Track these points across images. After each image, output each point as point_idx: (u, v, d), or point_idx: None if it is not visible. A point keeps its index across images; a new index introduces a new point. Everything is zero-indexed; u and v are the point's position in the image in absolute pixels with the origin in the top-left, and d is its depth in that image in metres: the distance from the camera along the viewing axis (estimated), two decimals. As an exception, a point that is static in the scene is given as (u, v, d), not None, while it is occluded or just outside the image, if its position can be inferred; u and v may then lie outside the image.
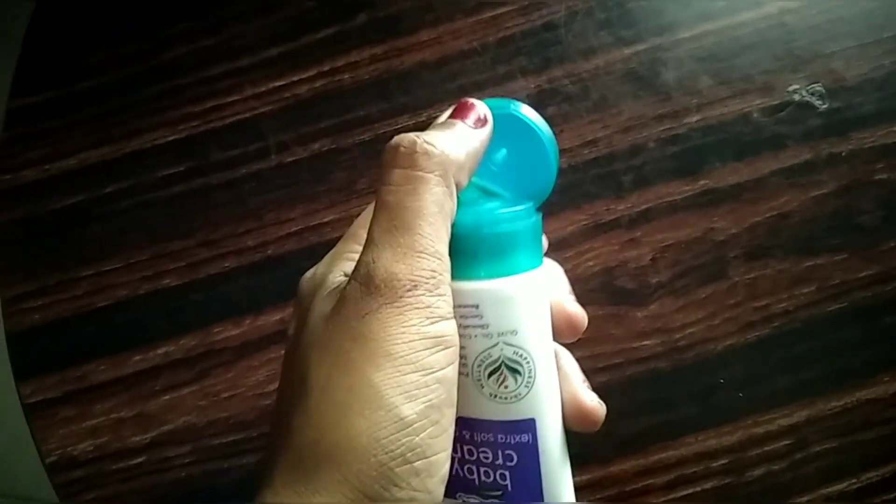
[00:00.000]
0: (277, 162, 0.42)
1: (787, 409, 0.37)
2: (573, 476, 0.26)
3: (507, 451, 0.24)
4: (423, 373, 0.21)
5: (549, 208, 0.40)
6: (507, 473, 0.24)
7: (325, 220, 0.41)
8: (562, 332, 0.26)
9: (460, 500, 0.25)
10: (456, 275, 0.23)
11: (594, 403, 0.26)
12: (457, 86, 0.43)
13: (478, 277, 0.24)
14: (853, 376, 0.37)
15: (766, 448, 0.36)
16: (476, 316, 0.23)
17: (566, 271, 0.28)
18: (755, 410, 0.37)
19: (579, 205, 0.40)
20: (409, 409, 0.21)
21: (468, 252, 0.23)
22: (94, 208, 0.43)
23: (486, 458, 0.24)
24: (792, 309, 0.38)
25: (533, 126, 0.26)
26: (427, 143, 0.23)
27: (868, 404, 0.36)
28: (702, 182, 0.40)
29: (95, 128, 0.44)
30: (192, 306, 0.40)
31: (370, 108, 0.43)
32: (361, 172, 0.42)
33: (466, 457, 0.25)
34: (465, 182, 0.24)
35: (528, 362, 0.24)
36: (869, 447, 0.36)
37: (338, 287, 0.24)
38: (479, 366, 0.24)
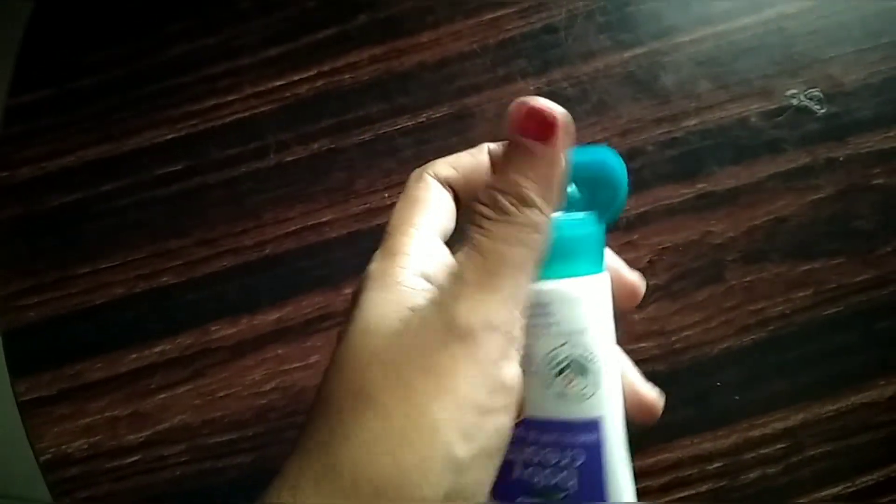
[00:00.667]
0: (276, 161, 0.42)
1: (783, 413, 0.37)
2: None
3: (573, 452, 0.24)
4: (483, 416, 0.21)
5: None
6: (572, 474, 0.24)
7: (324, 219, 0.41)
8: (621, 301, 0.26)
9: None
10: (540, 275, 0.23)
11: (654, 395, 0.26)
12: (456, 87, 0.43)
13: (549, 278, 0.24)
14: (849, 380, 0.37)
15: (762, 451, 0.36)
16: (546, 315, 0.24)
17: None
18: (751, 413, 0.37)
19: (577, 207, 0.40)
20: (463, 451, 0.20)
21: (552, 254, 0.23)
22: (92, 206, 0.43)
23: (551, 459, 0.24)
24: (788, 312, 0.38)
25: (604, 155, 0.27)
26: (536, 200, 0.23)
27: (863, 408, 0.36)
28: (700, 185, 0.40)
29: (94, 126, 0.44)
30: (188, 305, 0.40)
31: (370, 108, 0.43)
32: (360, 172, 0.42)
33: (530, 459, 0.24)
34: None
35: (595, 361, 0.24)
36: (864, 451, 0.36)
37: (405, 295, 0.23)
38: (548, 364, 0.24)
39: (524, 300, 0.23)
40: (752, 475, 0.36)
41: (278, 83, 0.44)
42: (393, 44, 0.44)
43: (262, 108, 0.43)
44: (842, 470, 0.36)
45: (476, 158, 0.27)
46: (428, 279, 0.24)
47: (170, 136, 0.43)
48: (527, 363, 0.23)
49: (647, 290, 0.38)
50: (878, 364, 0.37)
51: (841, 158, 0.40)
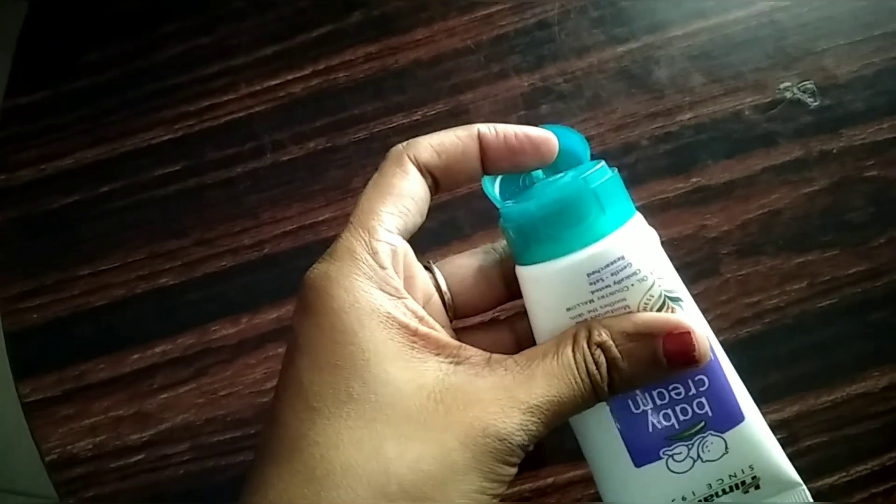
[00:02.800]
0: (273, 161, 0.43)
1: (779, 404, 0.37)
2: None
3: (697, 377, 0.24)
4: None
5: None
6: (703, 400, 0.24)
7: (321, 218, 0.42)
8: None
9: (665, 459, 0.24)
10: (587, 240, 0.24)
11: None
12: (451, 84, 0.43)
13: (609, 231, 0.24)
14: (843, 371, 0.37)
15: (758, 442, 0.37)
16: (627, 265, 0.24)
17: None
18: (747, 405, 0.37)
19: (573, 202, 0.40)
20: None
21: (589, 213, 0.24)
22: (91, 208, 0.43)
23: (679, 393, 0.24)
24: (783, 305, 0.38)
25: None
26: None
27: (858, 399, 0.37)
28: (694, 179, 0.40)
29: (90, 127, 0.44)
30: (188, 305, 0.41)
31: (365, 106, 0.43)
32: (356, 171, 0.42)
33: (658, 402, 0.24)
34: None
35: (681, 288, 0.25)
36: (859, 441, 0.36)
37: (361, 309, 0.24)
38: (649, 309, 0.24)
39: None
40: (748, 466, 0.37)
41: (273, 82, 0.44)
42: (387, 41, 0.44)
43: (258, 108, 0.44)
44: (837, 460, 0.36)
45: (463, 143, 0.26)
46: (382, 284, 0.24)
47: (166, 137, 0.44)
48: None
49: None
50: (873, 355, 0.37)
51: (834, 151, 0.40)
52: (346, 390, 0.23)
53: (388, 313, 0.24)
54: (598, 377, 0.23)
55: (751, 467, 0.24)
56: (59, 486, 0.38)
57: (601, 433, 0.25)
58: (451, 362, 0.24)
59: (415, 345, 0.24)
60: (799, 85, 0.41)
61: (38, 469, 0.38)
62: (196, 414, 0.39)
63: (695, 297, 0.38)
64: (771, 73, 0.41)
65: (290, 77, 0.44)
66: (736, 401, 0.24)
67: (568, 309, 0.24)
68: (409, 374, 0.23)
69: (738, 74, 0.42)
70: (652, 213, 0.40)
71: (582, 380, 0.23)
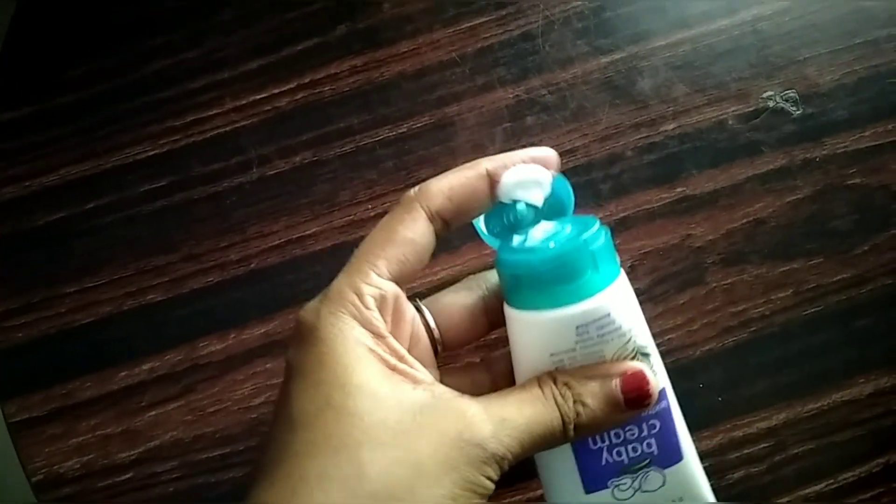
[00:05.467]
0: (259, 175, 0.43)
1: (766, 412, 0.37)
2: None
3: (650, 422, 0.28)
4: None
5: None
6: (652, 441, 0.28)
7: (308, 232, 0.41)
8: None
9: (612, 488, 0.28)
10: (580, 296, 0.26)
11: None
12: (436, 97, 0.43)
13: (599, 290, 0.27)
14: (829, 379, 0.37)
15: (745, 451, 0.37)
16: (611, 322, 0.27)
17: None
18: (734, 414, 0.37)
19: (559, 214, 0.40)
20: None
21: (585, 273, 0.27)
22: (77, 224, 0.43)
23: (633, 434, 0.28)
24: (769, 313, 0.38)
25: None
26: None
27: (844, 406, 0.37)
28: (679, 189, 0.40)
29: (76, 143, 0.44)
30: (176, 321, 0.41)
31: (351, 119, 0.43)
32: (343, 184, 0.42)
33: (614, 441, 0.28)
34: None
35: (650, 345, 0.28)
36: (845, 448, 0.37)
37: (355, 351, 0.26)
38: (621, 360, 0.27)
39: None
40: (737, 475, 0.37)
41: (259, 96, 0.44)
42: (373, 54, 0.44)
43: (244, 122, 0.44)
44: (824, 467, 0.37)
45: (472, 183, 0.28)
46: (365, 323, 0.26)
47: (152, 152, 0.44)
48: None
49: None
50: (858, 362, 0.38)
51: (817, 159, 0.40)
52: (327, 399, 0.24)
53: (371, 348, 0.26)
54: (565, 407, 0.26)
55: (681, 498, 0.29)
56: (46, 506, 0.38)
57: (560, 463, 0.28)
58: (419, 390, 0.26)
59: (394, 375, 0.26)
60: (782, 94, 0.41)
61: (25, 490, 0.38)
62: (184, 431, 0.39)
63: (680, 306, 0.39)
64: (754, 82, 0.42)
65: (275, 91, 0.44)
66: (679, 443, 0.28)
67: (551, 354, 0.27)
68: (388, 390, 0.25)
69: (722, 84, 0.42)
70: (637, 223, 0.40)
71: (551, 406, 0.26)
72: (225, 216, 0.42)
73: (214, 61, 0.45)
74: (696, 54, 0.42)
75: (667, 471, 0.28)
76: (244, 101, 0.44)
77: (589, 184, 0.41)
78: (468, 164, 0.29)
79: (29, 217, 0.43)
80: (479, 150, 0.42)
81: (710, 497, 0.29)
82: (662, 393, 0.28)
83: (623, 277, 0.28)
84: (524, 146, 0.41)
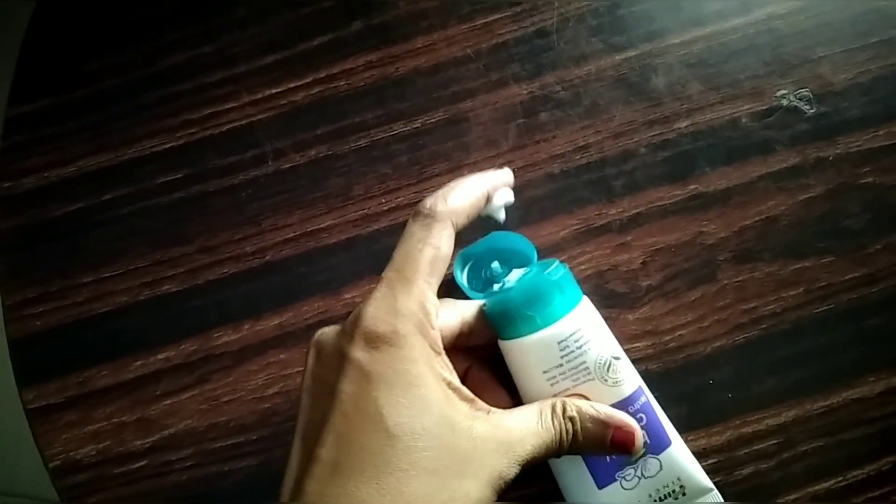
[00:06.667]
0: (274, 168, 0.43)
1: (775, 409, 0.37)
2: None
3: (638, 416, 0.32)
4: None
5: (542, 213, 0.41)
6: (643, 433, 0.32)
7: (322, 225, 0.42)
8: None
9: (619, 480, 0.32)
10: (555, 317, 0.32)
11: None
12: (450, 92, 0.43)
13: (570, 310, 0.32)
14: (839, 377, 0.38)
15: (755, 447, 0.37)
16: (584, 335, 0.32)
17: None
18: (744, 411, 0.37)
19: (571, 210, 0.41)
20: None
21: (554, 298, 0.32)
22: (94, 215, 0.43)
23: None
24: (780, 311, 0.39)
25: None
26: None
27: (854, 404, 0.37)
28: (692, 186, 0.41)
29: (94, 135, 0.45)
30: (191, 312, 0.41)
31: (366, 114, 0.43)
32: (357, 178, 0.42)
33: None
34: None
35: (619, 350, 0.33)
36: (855, 446, 0.37)
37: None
38: (599, 368, 0.32)
39: None
40: (746, 471, 0.37)
41: (275, 91, 0.44)
42: (388, 50, 0.44)
43: (259, 116, 0.44)
44: (833, 465, 0.37)
45: (480, 202, 0.34)
46: (432, 343, 0.30)
47: (169, 145, 0.44)
48: (586, 373, 0.32)
49: (640, 290, 0.39)
50: (868, 360, 0.38)
51: (831, 158, 0.40)
52: (422, 422, 0.28)
53: (438, 368, 0.30)
54: (565, 442, 0.31)
55: (678, 479, 0.32)
56: (62, 493, 0.39)
57: (573, 465, 0.33)
58: (474, 410, 0.30)
59: (452, 394, 0.30)
60: (795, 92, 0.41)
61: (42, 475, 0.38)
62: (199, 420, 0.39)
63: (692, 302, 0.39)
64: (768, 80, 0.42)
65: (291, 85, 0.44)
66: (665, 430, 0.33)
67: (544, 372, 0.32)
68: (461, 418, 0.29)
69: (735, 82, 0.42)
70: (650, 219, 0.40)
71: (557, 441, 0.30)
72: (240, 209, 0.43)
73: (229, 56, 0.45)
74: (711, 52, 0.43)
75: (660, 456, 0.32)
76: (260, 95, 0.44)
77: (602, 180, 0.41)
78: (476, 182, 0.34)
79: (46, 208, 0.44)
80: (493, 146, 0.42)
81: (702, 474, 0.33)
82: (639, 390, 0.32)
83: (586, 299, 0.34)
84: (538, 142, 0.42)
